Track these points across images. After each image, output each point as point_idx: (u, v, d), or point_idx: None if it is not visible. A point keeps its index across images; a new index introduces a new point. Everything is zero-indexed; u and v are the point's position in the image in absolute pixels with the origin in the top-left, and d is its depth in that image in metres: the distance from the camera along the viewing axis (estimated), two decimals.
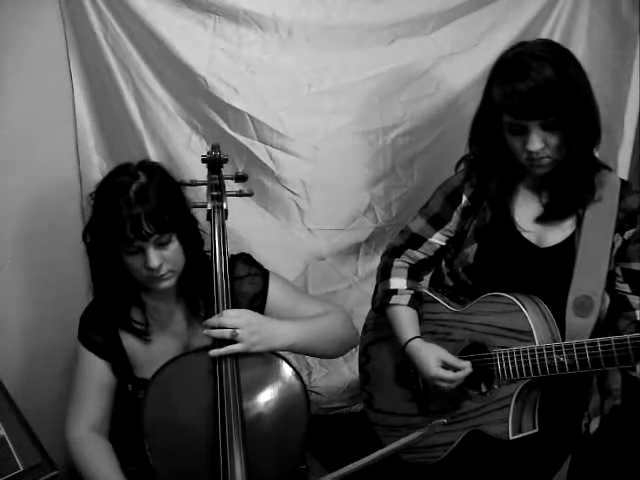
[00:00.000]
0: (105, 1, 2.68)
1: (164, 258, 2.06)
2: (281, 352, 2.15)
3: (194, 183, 2.27)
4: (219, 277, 2.12)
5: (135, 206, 2.00)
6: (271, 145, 2.88)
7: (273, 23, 2.81)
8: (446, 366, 2.20)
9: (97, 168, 2.84)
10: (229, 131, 2.85)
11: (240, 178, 2.29)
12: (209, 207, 2.16)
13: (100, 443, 2.22)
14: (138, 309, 2.26)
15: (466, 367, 2.18)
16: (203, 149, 2.86)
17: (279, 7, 2.80)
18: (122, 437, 2.35)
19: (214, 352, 2.06)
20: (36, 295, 2.82)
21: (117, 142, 2.85)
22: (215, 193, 2.18)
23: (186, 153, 2.86)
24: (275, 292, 2.29)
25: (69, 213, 2.84)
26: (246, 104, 2.83)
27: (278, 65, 2.85)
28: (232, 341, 2.07)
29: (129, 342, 2.27)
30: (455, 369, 2.19)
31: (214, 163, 2.26)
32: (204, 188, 2.25)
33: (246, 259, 2.30)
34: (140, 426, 2.10)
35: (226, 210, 2.17)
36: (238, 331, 2.06)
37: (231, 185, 2.29)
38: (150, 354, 2.26)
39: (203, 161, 2.27)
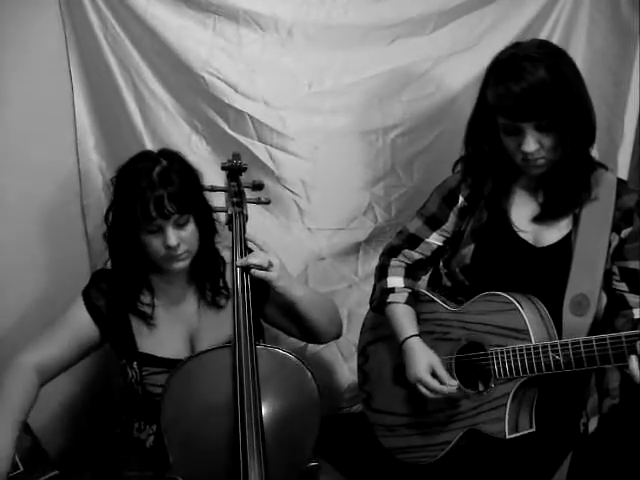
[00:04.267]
0: (105, 1, 2.69)
1: (181, 238, 2.17)
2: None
3: (214, 189, 2.33)
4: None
5: (158, 188, 2.12)
6: (271, 145, 2.89)
7: (273, 23, 2.81)
8: (434, 375, 2.20)
9: (97, 168, 2.85)
10: (229, 131, 2.86)
11: (257, 187, 2.38)
12: (229, 212, 2.27)
13: (28, 384, 2.18)
14: (148, 294, 2.34)
15: (453, 385, 2.18)
16: (203, 149, 2.90)
17: (279, 7, 2.81)
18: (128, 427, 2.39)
19: (257, 273, 2.18)
20: (36, 295, 2.82)
21: (117, 142, 2.85)
22: (236, 199, 2.29)
23: (186, 153, 2.81)
24: None
25: (69, 213, 2.85)
26: (246, 104, 2.84)
27: (278, 65, 2.86)
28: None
29: (135, 321, 2.32)
30: (441, 382, 2.19)
31: (234, 171, 2.36)
32: (219, 193, 2.34)
33: None
34: (158, 421, 2.14)
35: (246, 215, 2.28)
36: (273, 261, 2.20)
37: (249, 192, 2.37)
38: (156, 334, 2.32)
39: (223, 168, 2.36)
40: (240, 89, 2.83)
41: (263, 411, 2.09)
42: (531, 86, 1.97)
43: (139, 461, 2.32)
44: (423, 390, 2.20)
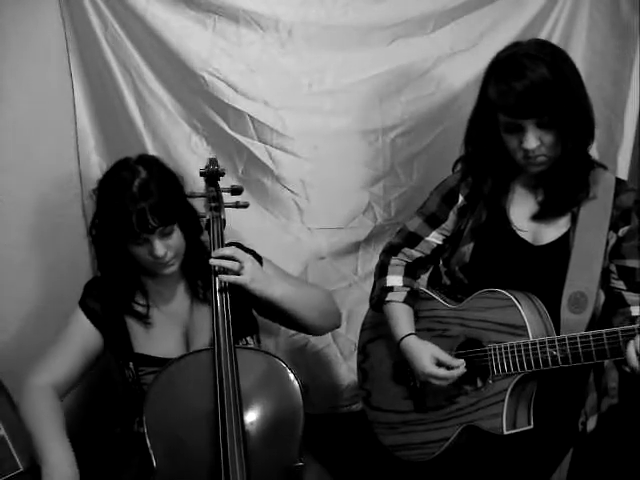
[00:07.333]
0: (105, 1, 2.70)
1: (168, 246, 2.18)
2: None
3: (193, 195, 2.32)
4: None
5: (139, 202, 2.10)
6: (271, 145, 2.89)
7: (273, 23, 2.82)
8: (440, 364, 2.20)
9: (97, 168, 2.85)
10: (229, 131, 2.87)
11: (235, 191, 2.36)
12: (208, 217, 2.26)
13: (54, 402, 2.22)
14: (142, 295, 2.36)
15: (460, 365, 2.18)
16: (203, 149, 2.90)
17: (279, 7, 2.82)
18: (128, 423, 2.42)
19: (223, 277, 2.16)
20: (36, 294, 2.83)
21: (117, 142, 2.86)
22: (213, 204, 2.28)
23: (186, 153, 2.88)
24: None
25: (70, 213, 2.86)
26: (246, 104, 2.85)
27: (278, 65, 2.86)
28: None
29: (131, 322, 2.34)
30: (449, 367, 2.19)
31: (211, 176, 2.33)
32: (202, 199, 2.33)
33: (238, 246, 2.32)
34: (142, 424, 2.14)
35: (224, 220, 2.27)
36: (245, 265, 2.18)
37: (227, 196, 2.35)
38: (151, 334, 2.35)
39: (201, 174, 2.32)
40: (240, 89, 2.83)
41: (246, 413, 2.10)
42: (533, 83, 1.98)
43: (138, 463, 2.31)
44: (435, 382, 2.20)
